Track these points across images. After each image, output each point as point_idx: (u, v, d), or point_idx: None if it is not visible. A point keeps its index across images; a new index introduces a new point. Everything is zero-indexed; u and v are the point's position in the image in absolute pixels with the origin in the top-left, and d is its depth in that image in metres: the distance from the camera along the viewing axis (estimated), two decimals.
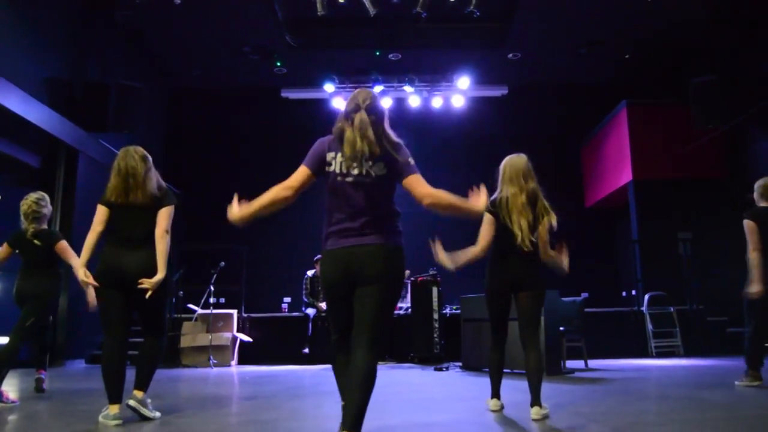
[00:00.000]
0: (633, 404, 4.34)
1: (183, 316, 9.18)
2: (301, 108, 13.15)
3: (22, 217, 5.13)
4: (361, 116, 2.88)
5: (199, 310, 8.99)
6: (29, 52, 8.40)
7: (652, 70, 12.31)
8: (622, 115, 11.27)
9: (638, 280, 10.47)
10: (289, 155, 13.73)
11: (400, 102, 12.76)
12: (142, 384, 3.92)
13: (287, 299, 10.70)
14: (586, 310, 7.92)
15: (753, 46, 10.14)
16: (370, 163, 2.86)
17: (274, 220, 12.68)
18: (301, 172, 2.99)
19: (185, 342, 8.75)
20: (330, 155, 2.94)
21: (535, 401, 3.71)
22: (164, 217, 3.96)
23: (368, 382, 2.64)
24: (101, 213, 4.00)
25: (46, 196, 5.36)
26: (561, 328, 7.11)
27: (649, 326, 9.33)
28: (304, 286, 9.49)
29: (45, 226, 5.25)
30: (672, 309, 9.43)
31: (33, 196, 5.22)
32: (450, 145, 13.14)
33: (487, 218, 3.94)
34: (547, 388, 5.36)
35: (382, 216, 2.87)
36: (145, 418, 3.85)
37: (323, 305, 9.17)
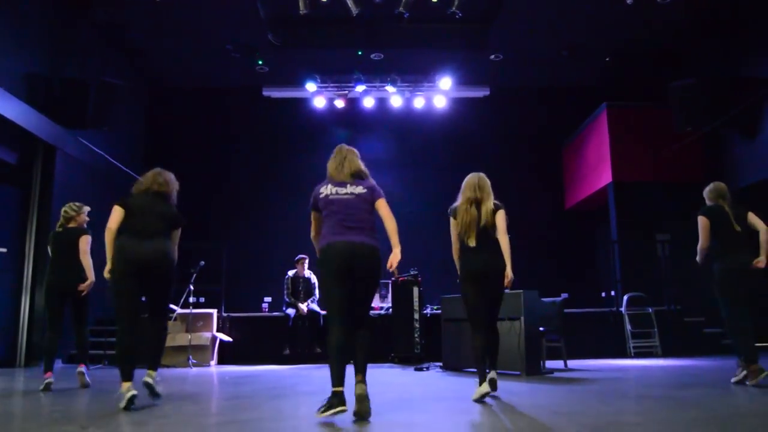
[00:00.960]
0: (611, 404, 4.38)
1: None
2: (282, 107, 13.11)
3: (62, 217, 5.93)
4: (342, 148, 4.26)
5: (179, 310, 8.91)
6: (6, 48, 8.28)
7: (632, 73, 12.42)
8: (602, 117, 11.36)
9: (617, 281, 10.56)
10: (270, 154, 13.80)
11: (382, 102, 12.77)
12: (155, 364, 4.51)
13: (268, 299, 10.64)
14: (566, 310, 7.96)
15: (732, 50, 10.28)
16: (353, 185, 4.05)
17: (254, 221, 12.62)
18: (314, 216, 4.15)
19: None
20: (321, 188, 4.10)
21: (492, 367, 4.77)
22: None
23: (368, 344, 3.96)
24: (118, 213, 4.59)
25: (84, 207, 6.04)
26: (541, 329, 7.14)
27: (628, 327, 9.41)
28: (285, 286, 9.45)
29: (74, 226, 5.91)
30: (650, 310, 9.52)
31: (72, 204, 5.99)
32: (432, 145, 13.17)
33: (452, 222, 4.90)
34: (526, 387, 5.40)
35: (363, 220, 3.97)
36: (156, 395, 4.42)
37: (304, 307, 9.14)
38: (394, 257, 3.97)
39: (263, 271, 11.63)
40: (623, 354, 9.24)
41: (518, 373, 6.66)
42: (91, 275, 5.73)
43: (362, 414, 3.69)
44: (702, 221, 5.48)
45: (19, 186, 8.83)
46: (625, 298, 9.71)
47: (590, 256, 12.97)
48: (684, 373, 6.56)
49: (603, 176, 11.30)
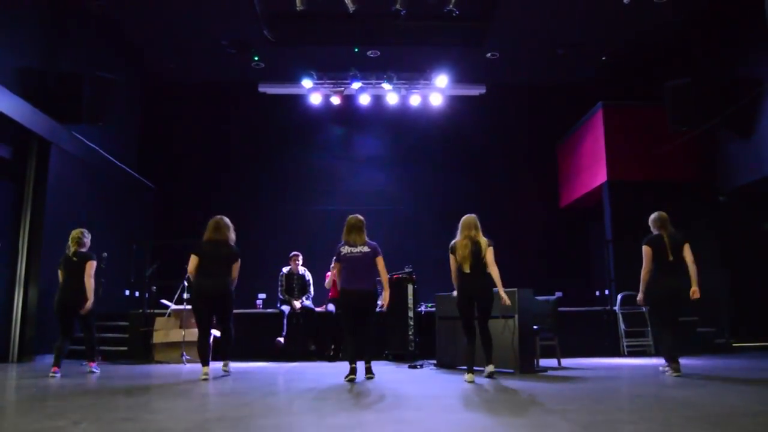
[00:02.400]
0: (604, 402, 4.39)
1: (156, 311, 9.07)
2: (278, 103, 13.09)
3: (69, 241, 6.92)
4: (352, 221, 6.34)
5: (173, 306, 8.89)
6: (0, 42, 8.24)
7: (628, 72, 12.43)
8: (597, 116, 11.37)
9: (611, 280, 10.58)
10: (265, 150, 13.77)
11: (378, 99, 12.75)
12: (225, 356, 6.64)
13: (262, 295, 10.61)
14: (560, 309, 7.97)
15: (727, 50, 10.30)
16: (362, 246, 6.20)
17: (249, 216, 12.57)
18: (336, 266, 6.34)
19: (158, 338, 8.65)
20: (342, 248, 6.27)
21: (488, 362, 6.03)
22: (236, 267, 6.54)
23: (371, 339, 6.39)
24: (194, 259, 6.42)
25: (88, 233, 7.07)
26: (535, 327, 7.15)
27: (622, 325, 9.43)
28: (279, 283, 9.43)
29: (84, 250, 6.90)
30: (644, 309, 9.53)
31: (80, 229, 7.01)
32: (427, 143, 13.17)
33: (452, 258, 6.17)
34: (520, 385, 5.41)
35: (367, 273, 6.19)
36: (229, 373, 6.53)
37: (298, 303, 9.15)
38: (385, 300, 6.39)
39: (257, 267, 11.60)
40: (617, 353, 9.26)
41: (512, 371, 6.67)
42: (90, 296, 6.76)
43: (367, 377, 6.08)
44: (646, 250, 6.43)
45: (13, 181, 8.79)
46: (619, 296, 9.72)
47: (584, 255, 12.99)
48: None
49: (598, 175, 11.31)
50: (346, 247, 6.24)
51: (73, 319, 6.83)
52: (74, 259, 6.82)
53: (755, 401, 4.42)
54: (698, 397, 4.59)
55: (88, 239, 7.00)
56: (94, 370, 6.94)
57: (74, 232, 6.94)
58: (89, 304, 6.74)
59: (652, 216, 6.65)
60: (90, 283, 6.74)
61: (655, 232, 6.54)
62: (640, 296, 6.50)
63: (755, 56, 9.60)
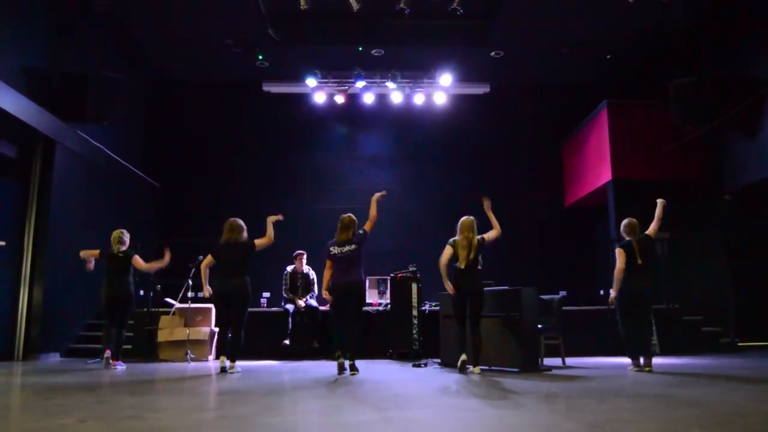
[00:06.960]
0: (609, 401, 4.38)
1: (161, 310, 9.07)
2: (282, 102, 13.09)
3: (111, 241, 7.62)
4: (344, 219, 6.85)
5: (177, 304, 8.90)
6: (6, 41, 8.25)
7: (633, 70, 12.40)
8: (602, 115, 11.34)
9: None
10: (269, 148, 13.76)
11: (382, 98, 12.73)
12: (234, 358, 6.79)
13: (266, 294, 10.61)
14: (564, 308, 7.96)
15: (732, 49, 10.26)
16: (349, 245, 6.66)
17: (253, 215, 12.62)
18: (328, 264, 6.74)
19: (162, 336, 8.66)
20: (331, 247, 6.75)
21: (476, 362, 6.46)
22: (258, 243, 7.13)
23: (356, 336, 6.62)
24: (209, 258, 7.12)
25: (127, 232, 7.82)
26: (539, 326, 7.14)
27: None
28: (283, 282, 9.44)
29: (124, 248, 7.65)
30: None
31: (119, 230, 7.75)
32: (431, 141, 13.16)
33: (449, 249, 6.70)
34: (524, 384, 5.40)
35: (354, 267, 6.64)
36: (236, 372, 6.66)
37: (302, 302, 9.16)
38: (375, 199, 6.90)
39: (262, 266, 11.58)
40: (621, 352, 9.21)
41: (516, 369, 6.67)
42: (155, 265, 7.90)
43: (351, 373, 6.36)
44: (619, 252, 6.88)
45: (19, 179, 8.81)
46: None
47: (589, 254, 12.96)
48: (681, 371, 6.56)
49: (603, 174, 11.28)
50: (336, 248, 6.72)
51: (115, 311, 7.45)
52: (120, 255, 7.54)
53: (761, 400, 4.41)
54: (703, 397, 4.57)
55: (127, 238, 7.76)
56: (119, 367, 7.30)
57: (115, 233, 7.67)
58: (162, 263, 7.85)
59: (624, 222, 7.06)
60: (149, 265, 7.78)
61: (626, 238, 6.94)
62: (612, 295, 6.88)
63: (761, 55, 9.56)
